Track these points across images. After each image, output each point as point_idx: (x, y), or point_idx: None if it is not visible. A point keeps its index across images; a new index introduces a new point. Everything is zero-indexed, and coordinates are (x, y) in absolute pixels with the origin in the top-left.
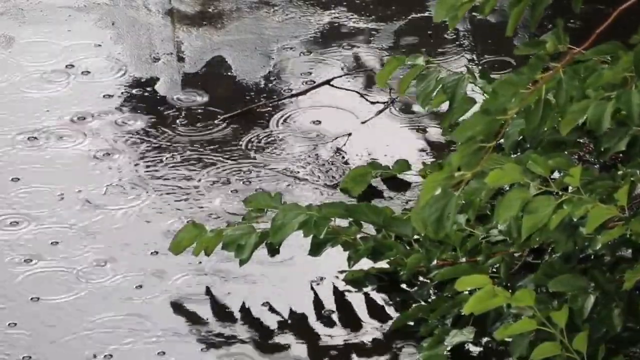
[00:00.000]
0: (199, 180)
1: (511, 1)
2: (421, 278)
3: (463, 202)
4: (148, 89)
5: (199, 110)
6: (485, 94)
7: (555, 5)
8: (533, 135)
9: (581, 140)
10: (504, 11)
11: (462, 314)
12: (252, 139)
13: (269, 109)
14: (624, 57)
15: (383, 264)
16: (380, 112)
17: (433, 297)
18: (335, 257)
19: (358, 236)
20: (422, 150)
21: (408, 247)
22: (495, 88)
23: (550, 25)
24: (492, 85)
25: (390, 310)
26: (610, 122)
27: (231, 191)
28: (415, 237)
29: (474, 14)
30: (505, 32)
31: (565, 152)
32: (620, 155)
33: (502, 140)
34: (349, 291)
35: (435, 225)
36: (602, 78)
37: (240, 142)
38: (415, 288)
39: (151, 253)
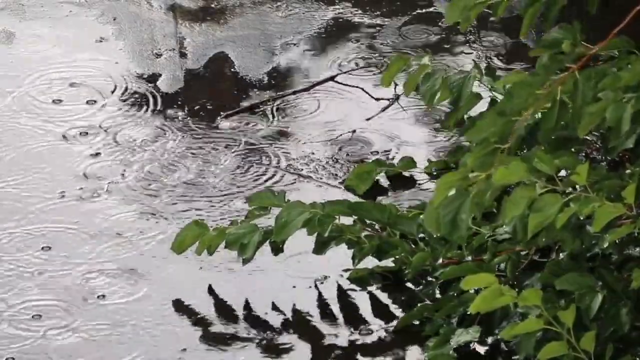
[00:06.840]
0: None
1: (526, 2)
2: (427, 277)
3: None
4: (150, 85)
5: (201, 107)
6: (492, 92)
7: (569, 6)
8: (548, 137)
9: (588, 138)
10: (510, 7)
11: (468, 313)
12: (254, 137)
13: (272, 105)
14: None
15: (388, 263)
16: (384, 108)
17: (438, 296)
18: (339, 256)
19: (362, 234)
20: (428, 147)
21: (413, 246)
22: (510, 89)
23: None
24: (504, 82)
25: (395, 309)
26: (629, 123)
27: (233, 190)
28: (421, 235)
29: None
30: (511, 28)
31: (572, 150)
32: (629, 153)
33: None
34: (353, 290)
35: (449, 226)
36: (620, 80)
37: (243, 140)
38: (421, 287)
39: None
